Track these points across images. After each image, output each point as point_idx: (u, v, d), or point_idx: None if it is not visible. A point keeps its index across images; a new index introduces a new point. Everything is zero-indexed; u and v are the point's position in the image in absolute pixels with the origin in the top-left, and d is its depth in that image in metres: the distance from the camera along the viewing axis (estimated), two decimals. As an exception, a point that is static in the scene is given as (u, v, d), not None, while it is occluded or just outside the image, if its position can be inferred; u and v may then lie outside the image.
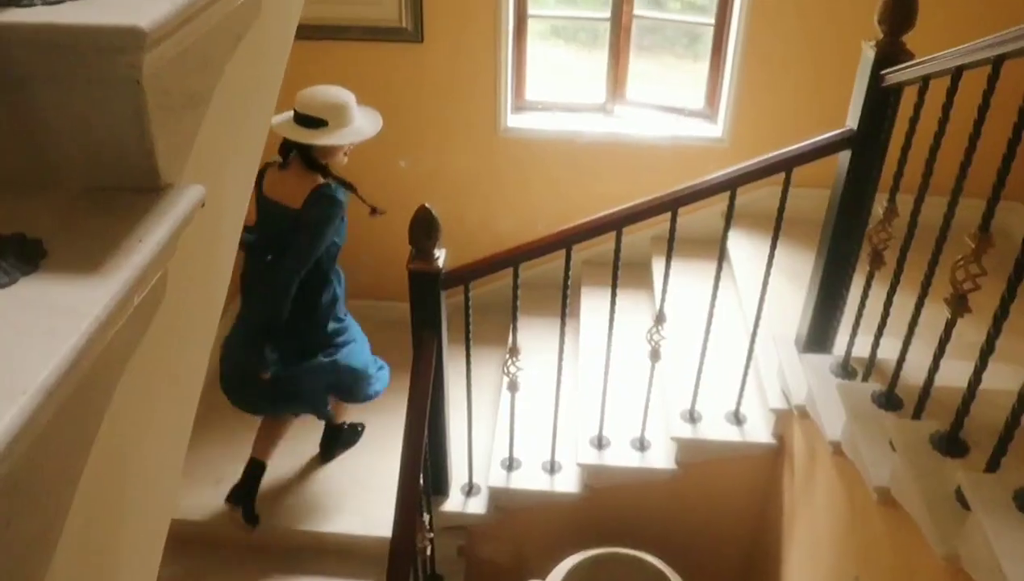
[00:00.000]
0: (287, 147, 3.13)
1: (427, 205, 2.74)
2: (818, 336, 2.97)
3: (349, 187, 3.20)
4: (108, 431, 0.90)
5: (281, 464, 3.78)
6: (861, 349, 2.69)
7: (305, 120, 3.04)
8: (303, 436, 3.87)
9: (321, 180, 3.09)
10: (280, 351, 3.24)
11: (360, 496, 3.68)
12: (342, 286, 3.43)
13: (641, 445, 3.30)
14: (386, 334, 4.00)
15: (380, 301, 4.55)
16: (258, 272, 3.18)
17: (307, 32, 3.93)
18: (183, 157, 1.00)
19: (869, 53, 2.56)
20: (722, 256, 2.89)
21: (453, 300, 3.02)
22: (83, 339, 0.75)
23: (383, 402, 3.70)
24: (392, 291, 4.03)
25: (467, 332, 3.00)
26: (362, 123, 3.15)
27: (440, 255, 2.83)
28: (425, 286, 2.85)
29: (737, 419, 3.21)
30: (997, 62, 2.00)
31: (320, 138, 3.03)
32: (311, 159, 3.09)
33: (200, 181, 1.00)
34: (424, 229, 2.75)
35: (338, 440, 3.89)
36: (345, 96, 3.13)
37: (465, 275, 2.89)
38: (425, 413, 2.68)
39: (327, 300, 3.32)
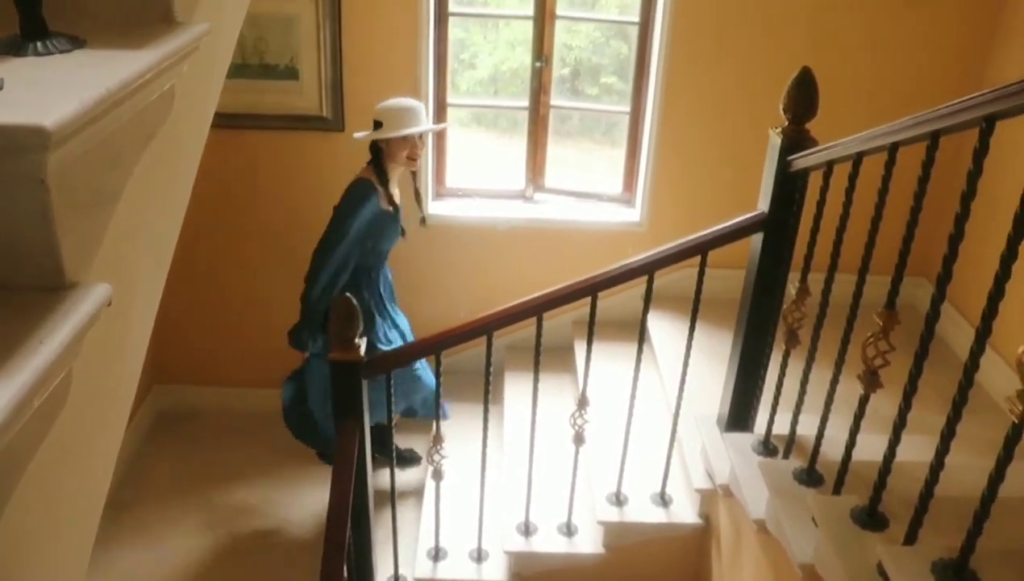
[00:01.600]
0: (371, 145, 3.60)
1: (347, 294, 2.72)
2: (739, 415, 3.01)
3: (391, 202, 3.60)
4: (5, 533, 0.85)
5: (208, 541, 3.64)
6: (782, 427, 2.73)
7: (373, 122, 3.55)
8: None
9: (363, 175, 3.55)
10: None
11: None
12: (375, 300, 3.70)
13: (568, 530, 3.27)
14: (307, 424, 3.93)
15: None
16: None
17: (227, 120, 3.94)
18: (90, 255, 0.98)
19: (776, 140, 2.66)
20: (642, 338, 2.93)
21: (376, 389, 2.99)
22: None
23: (304, 487, 3.61)
24: (314, 381, 3.97)
25: (389, 422, 2.96)
26: (404, 127, 3.51)
27: (361, 344, 2.80)
28: (346, 375, 2.80)
29: (663, 500, 3.21)
30: (893, 148, 2.10)
31: (357, 133, 3.62)
32: (377, 156, 3.57)
33: (108, 279, 0.98)
34: (344, 318, 2.72)
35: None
36: (401, 103, 3.56)
37: (387, 363, 2.86)
38: (348, 504, 2.62)
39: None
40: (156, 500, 4.07)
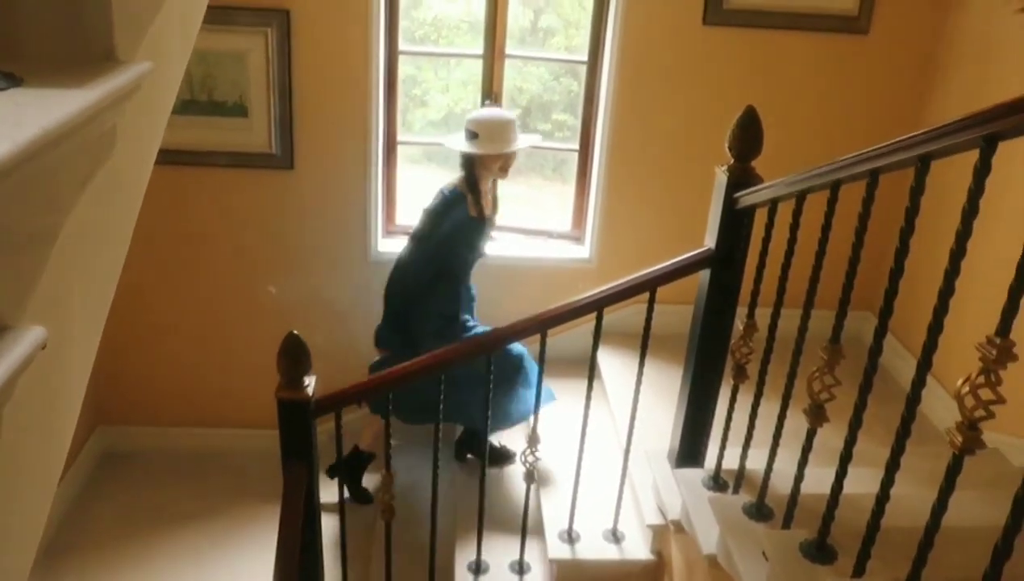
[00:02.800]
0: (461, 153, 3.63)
1: (295, 332, 2.69)
2: (690, 450, 3.02)
3: (479, 209, 3.63)
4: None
5: None
6: (732, 461, 2.74)
7: (467, 131, 3.59)
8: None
9: (454, 183, 3.61)
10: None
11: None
12: (462, 310, 3.76)
13: (520, 569, 3.24)
14: (256, 465, 3.87)
15: (249, 429, 4.41)
16: None
17: (173, 158, 3.91)
18: (24, 297, 0.96)
19: (722, 177, 2.71)
20: (592, 374, 2.93)
21: (326, 426, 2.95)
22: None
23: (253, 529, 3.54)
24: (261, 419, 3.90)
25: (339, 462, 2.92)
26: (498, 144, 3.56)
27: (310, 383, 2.77)
28: (295, 415, 2.76)
29: (615, 537, 3.20)
30: (835, 186, 2.14)
31: (455, 142, 3.64)
32: (468, 166, 3.59)
33: (43, 322, 0.96)
34: (292, 357, 2.69)
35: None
36: (497, 117, 3.63)
37: (336, 402, 2.83)
38: (296, 551, 2.57)
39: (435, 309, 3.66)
40: (99, 544, 3.96)
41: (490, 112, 3.69)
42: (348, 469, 3.74)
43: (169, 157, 3.90)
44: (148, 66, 1.16)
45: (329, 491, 3.09)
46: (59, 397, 1.16)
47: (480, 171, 3.59)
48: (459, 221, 3.57)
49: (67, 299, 1.12)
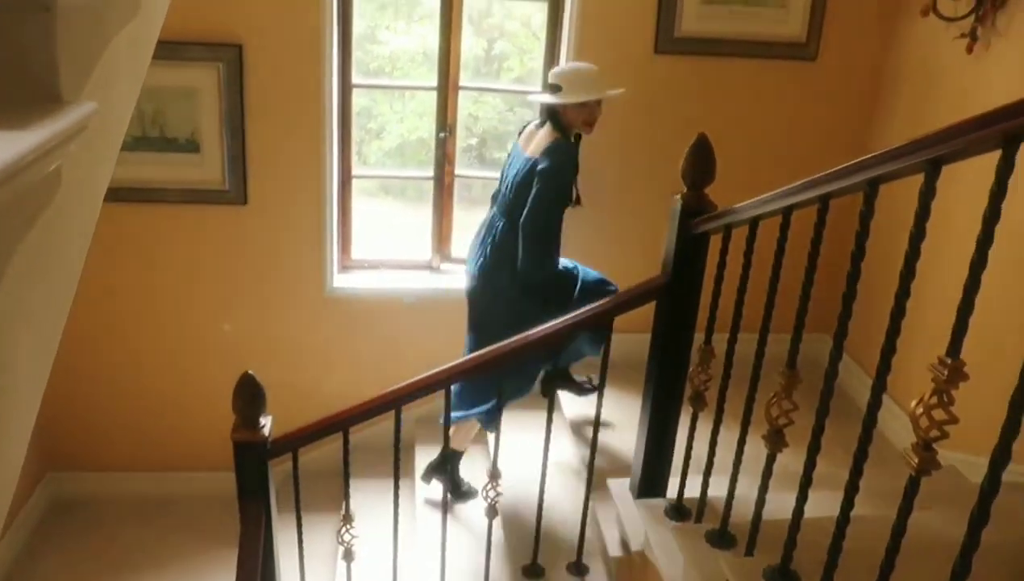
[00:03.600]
0: (546, 109, 3.52)
1: (250, 372, 2.65)
2: (651, 479, 3.01)
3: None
4: None
5: None
6: (694, 489, 2.74)
7: (550, 86, 3.49)
8: None
9: (554, 138, 3.45)
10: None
11: None
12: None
13: (486, 605, 3.20)
14: (212, 509, 3.79)
15: (203, 472, 4.33)
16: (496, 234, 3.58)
17: (125, 194, 3.86)
18: (-36, 345, 0.93)
19: (676, 205, 2.72)
20: (552, 406, 2.92)
21: (282, 467, 2.91)
22: None
23: (207, 574, 3.46)
24: (216, 462, 3.83)
25: (297, 504, 2.88)
26: (584, 92, 3.45)
27: (266, 423, 2.73)
28: (250, 456, 2.72)
29: (579, 570, 3.17)
30: (787, 212, 2.17)
31: (539, 96, 3.61)
32: (556, 121, 3.47)
33: (-15, 369, 0.93)
34: (248, 397, 2.65)
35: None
36: (579, 68, 3.55)
37: (293, 442, 2.79)
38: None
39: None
40: (49, 595, 3.85)
41: (572, 64, 3.67)
42: (443, 471, 3.61)
43: (120, 194, 3.86)
44: (94, 107, 1.14)
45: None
46: (1, 444, 1.13)
47: (567, 127, 3.50)
48: (567, 162, 3.46)
49: (10, 345, 1.09)
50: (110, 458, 4.50)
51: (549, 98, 3.47)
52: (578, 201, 3.59)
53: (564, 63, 3.78)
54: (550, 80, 3.51)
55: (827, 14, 3.97)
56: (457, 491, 3.76)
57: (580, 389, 3.95)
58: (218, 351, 4.25)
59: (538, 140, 3.51)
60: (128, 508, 4.42)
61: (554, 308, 3.15)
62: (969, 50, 3.29)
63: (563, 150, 3.43)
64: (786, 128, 4.11)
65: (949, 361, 1.51)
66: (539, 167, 3.40)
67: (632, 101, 3.99)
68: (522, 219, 3.41)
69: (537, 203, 3.39)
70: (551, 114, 3.50)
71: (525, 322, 2.87)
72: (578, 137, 3.56)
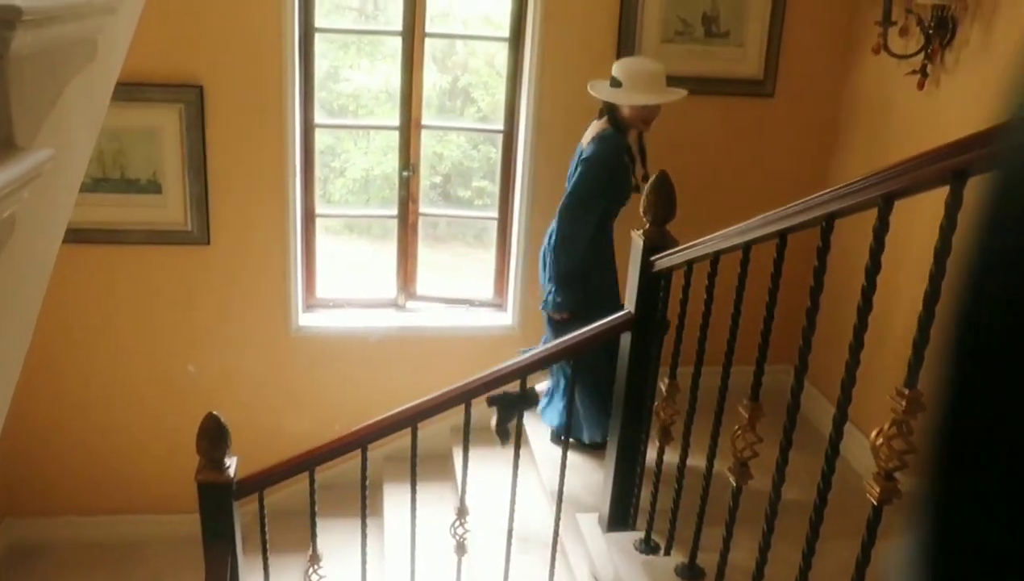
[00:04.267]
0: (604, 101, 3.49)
1: (215, 413, 2.63)
2: (620, 513, 3.01)
3: (629, 153, 3.51)
4: None
5: None
6: (663, 522, 2.74)
7: (611, 79, 3.45)
8: None
9: (609, 127, 3.43)
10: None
11: None
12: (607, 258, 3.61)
13: (456, 646, 3.16)
14: (175, 551, 3.73)
15: (167, 515, 4.25)
16: None
17: (86, 236, 3.82)
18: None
19: (639, 241, 2.75)
20: (519, 442, 2.91)
21: (249, 508, 2.87)
22: None
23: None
24: (180, 504, 3.78)
25: (263, 544, 2.84)
26: (643, 94, 3.40)
27: (231, 464, 2.70)
28: (216, 498, 2.69)
29: (550, 606, 3.15)
30: (746, 247, 2.20)
31: (596, 90, 3.50)
32: (613, 116, 3.44)
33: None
34: (212, 438, 2.62)
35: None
36: (643, 67, 3.46)
37: (258, 483, 2.76)
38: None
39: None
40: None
41: (637, 61, 3.59)
42: (510, 402, 3.58)
43: (82, 235, 3.83)
44: (48, 154, 1.13)
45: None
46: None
47: (622, 121, 3.45)
48: (609, 152, 3.42)
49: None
50: (71, 502, 4.41)
51: (606, 93, 3.44)
52: (637, 189, 3.47)
53: (630, 58, 3.68)
54: (613, 73, 3.45)
55: (783, 52, 4.05)
56: (505, 430, 3.74)
57: (504, 430, 3.82)
58: (182, 392, 4.20)
59: (590, 129, 3.52)
60: (89, 553, 4.33)
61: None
62: (920, 86, 3.37)
63: (608, 139, 3.42)
64: (746, 164, 4.17)
65: (907, 392, 1.53)
66: (583, 155, 3.43)
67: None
68: (559, 205, 3.44)
69: (574, 187, 3.41)
70: (609, 108, 3.47)
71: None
72: (623, 132, 3.49)
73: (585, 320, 2.94)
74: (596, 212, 3.41)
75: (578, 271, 3.44)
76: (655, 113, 3.46)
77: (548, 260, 3.51)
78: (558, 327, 3.44)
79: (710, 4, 3.97)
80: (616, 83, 3.42)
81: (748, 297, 2.26)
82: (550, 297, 3.47)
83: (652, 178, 2.70)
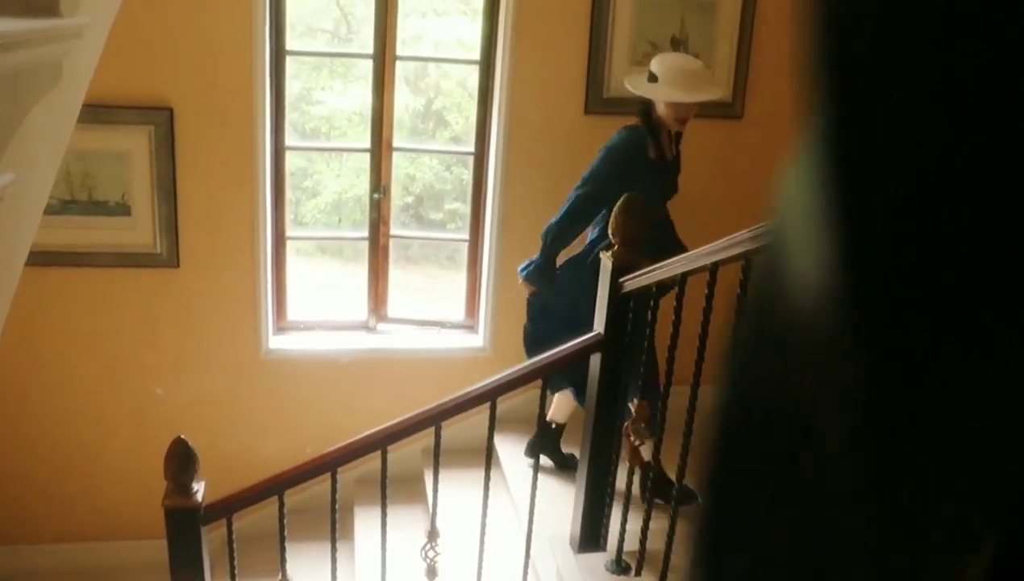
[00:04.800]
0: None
1: (183, 437, 2.61)
2: (591, 534, 3.01)
3: (660, 154, 3.43)
4: None
5: None
6: (634, 542, 2.75)
7: (649, 73, 3.38)
8: None
9: (636, 123, 3.39)
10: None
11: None
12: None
13: (427, 670, 3.14)
14: (144, 578, 3.68)
15: (134, 541, 4.20)
16: None
17: (53, 259, 3.79)
18: None
19: (607, 263, 2.77)
20: (489, 464, 2.91)
21: (217, 533, 2.85)
22: None
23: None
24: (147, 530, 3.73)
25: (232, 570, 2.82)
26: (677, 91, 3.32)
27: (199, 488, 2.67)
28: (183, 523, 2.66)
29: (521, 629, 3.14)
30: (714, 268, 2.22)
31: (633, 85, 3.46)
32: (647, 113, 3.38)
33: None
34: (180, 462, 2.60)
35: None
36: (683, 65, 3.40)
37: (227, 508, 2.74)
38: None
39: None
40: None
41: (677, 57, 3.55)
42: (545, 443, 3.65)
43: (50, 258, 3.79)
44: (11, 177, 1.13)
45: None
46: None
47: (656, 121, 3.39)
48: (619, 144, 3.39)
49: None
50: (35, 530, 4.34)
51: (641, 88, 3.39)
52: (665, 195, 3.54)
53: (670, 53, 3.66)
54: (651, 67, 3.39)
55: (751, 74, 4.10)
56: (563, 463, 3.77)
57: (564, 462, 3.82)
58: (151, 416, 4.16)
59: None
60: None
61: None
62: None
63: (633, 131, 3.38)
64: (715, 186, 4.21)
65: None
66: (606, 144, 3.44)
67: (562, 161, 4.06)
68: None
69: (587, 171, 3.41)
70: (643, 106, 3.41)
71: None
72: (656, 131, 3.42)
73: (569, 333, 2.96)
74: (603, 202, 3.31)
75: (554, 257, 3.49)
76: (690, 113, 3.39)
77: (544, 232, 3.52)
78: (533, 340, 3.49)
79: (679, 27, 4.02)
80: (653, 78, 3.37)
81: (717, 318, 2.28)
82: (531, 264, 3.50)
83: (621, 200, 2.72)
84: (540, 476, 2.96)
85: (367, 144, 4.17)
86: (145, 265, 4.00)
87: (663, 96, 3.32)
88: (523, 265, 3.53)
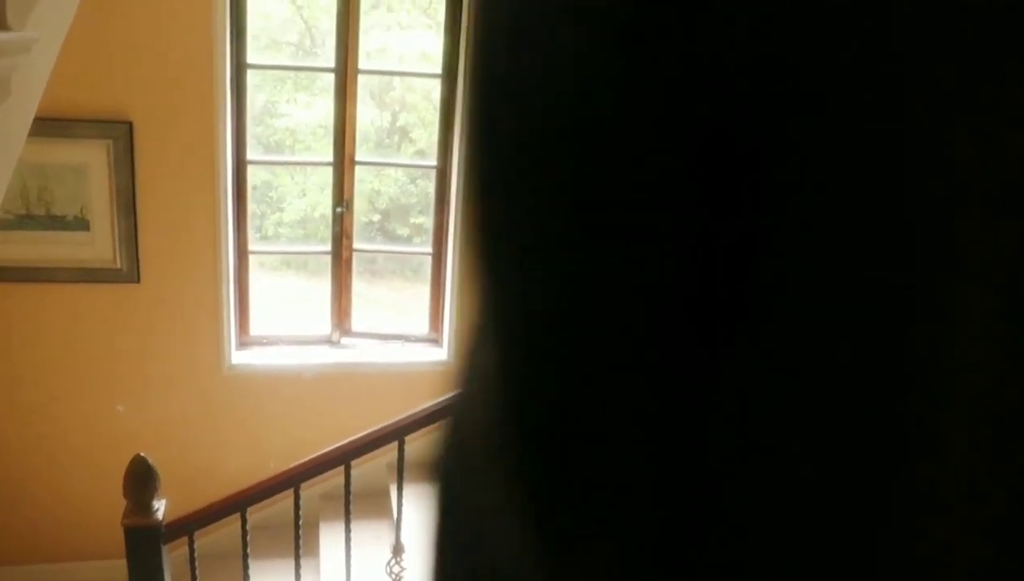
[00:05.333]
0: None
1: (143, 454, 2.57)
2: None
3: None
4: None
5: None
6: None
7: None
8: None
9: None
10: None
11: None
12: None
13: None
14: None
15: (94, 561, 4.14)
16: None
17: (8, 274, 3.75)
18: None
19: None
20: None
21: (179, 552, 2.81)
22: None
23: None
24: (107, 549, 3.68)
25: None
26: None
27: (160, 507, 2.64)
28: (143, 542, 2.63)
29: (488, 644, 3.13)
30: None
31: None
32: None
33: None
34: (140, 480, 2.57)
35: None
36: None
37: (188, 525, 2.71)
38: None
39: None
40: None
41: None
42: None
43: (6, 274, 3.74)
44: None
45: None
46: None
47: None
48: None
49: None
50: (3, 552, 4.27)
51: None
52: None
53: None
54: None
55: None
56: None
57: None
58: (111, 433, 4.10)
59: None
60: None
61: None
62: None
63: None
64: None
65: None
66: None
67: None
68: None
69: None
70: None
71: None
72: None
73: None
74: None
75: None
76: None
77: None
78: None
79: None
80: None
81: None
82: None
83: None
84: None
85: (329, 158, 4.16)
86: (105, 280, 3.95)
87: None
88: None
